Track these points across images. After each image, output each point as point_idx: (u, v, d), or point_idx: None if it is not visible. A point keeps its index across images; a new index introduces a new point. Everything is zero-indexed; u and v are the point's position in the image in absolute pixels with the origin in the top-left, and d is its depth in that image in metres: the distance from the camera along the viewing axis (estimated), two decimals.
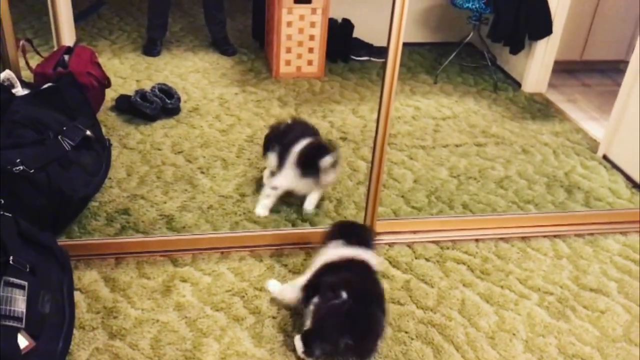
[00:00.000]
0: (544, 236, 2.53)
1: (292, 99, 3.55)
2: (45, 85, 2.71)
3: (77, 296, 2.02)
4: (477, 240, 2.48)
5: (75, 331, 1.88)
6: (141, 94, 3.19)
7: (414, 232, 2.47)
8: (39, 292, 1.72)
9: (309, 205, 2.55)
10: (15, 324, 1.58)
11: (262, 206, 2.52)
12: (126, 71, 3.70)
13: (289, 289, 2.02)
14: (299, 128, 2.66)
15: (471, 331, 2.03)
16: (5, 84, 2.71)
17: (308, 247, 2.34)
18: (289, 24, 3.68)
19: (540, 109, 3.73)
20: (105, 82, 3.20)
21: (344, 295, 1.75)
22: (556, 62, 3.92)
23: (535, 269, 2.35)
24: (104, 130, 2.95)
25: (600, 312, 2.17)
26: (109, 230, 2.35)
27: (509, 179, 2.93)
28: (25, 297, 1.65)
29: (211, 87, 3.59)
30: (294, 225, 2.48)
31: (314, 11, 3.68)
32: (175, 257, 2.24)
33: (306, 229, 2.44)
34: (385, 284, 2.17)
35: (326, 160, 2.41)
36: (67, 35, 3.63)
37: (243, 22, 4.64)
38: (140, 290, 2.08)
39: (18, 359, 1.56)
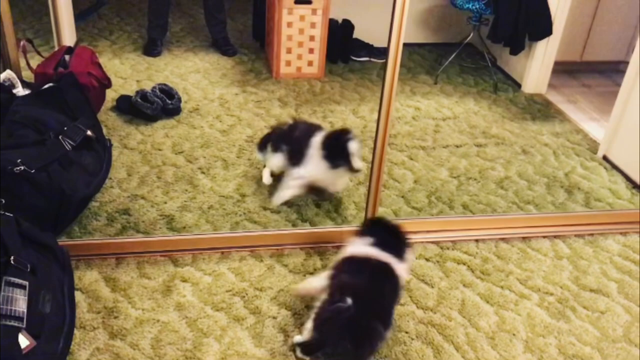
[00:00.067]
0: (544, 236, 2.54)
1: (293, 100, 3.55)
2: (46, 86, 2.71)
3: (78, 296, 2.02)
4: (477, 240, 2.48)
5: (75, 331, 1.88)
6: (142, 94, 3.19)
7: (414, 232, 2.47)
8: (39, 292, 1.72)
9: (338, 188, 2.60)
10: (16, 324, 1.59)
11: (280, 197, 2.55)
12: (127, 71, 3.71)
13: (316, 280, 1.99)
14: (305, 125, 2.68)
15: (471, 331, 2.03)
16: (6, 84, 2.71)
17: (308, 247, 2.34)
18: (290, 24, 3.68)
19: (540, 110, 3.73)
20: (106, 83, 3.20)
21: (349, 301, 1.74)
22: (556, 63, 3.92)
23: (536, 269, 2.36)
24: (104, 130, 2.96)
25: (600, 312, 2.17)
26: (109, 230, 2.35)
27: (509, 180, 2.93)
28: (26, 297, 1.65)
29: (212, 88, 3.59)
30: (294, 225, 2.48)
31: (314, 12, 3.68)
32: (175, 257, 2.24)
33: (306, 229, 2.44)
34: None
35: (354, 144, 2.40)
36: (68, 35, 3.64)
37: (243, 22, 4.64)
38: (140, 290, 2.08)
39: (19, 358, 1.56)
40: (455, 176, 2.92)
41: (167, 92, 3.26)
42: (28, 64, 3.08)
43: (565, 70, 4.26)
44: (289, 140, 2.60)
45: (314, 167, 2.47)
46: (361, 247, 1.95)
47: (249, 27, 4.44)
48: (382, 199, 2.65)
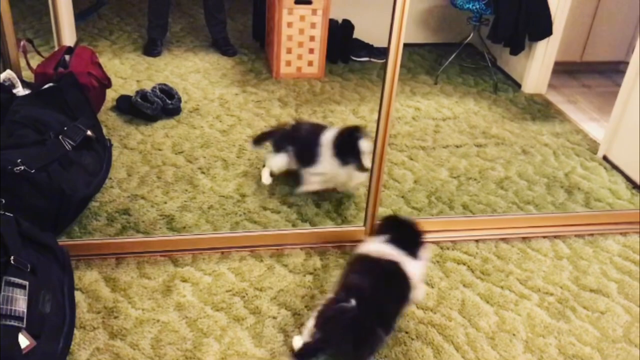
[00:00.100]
0: (544, 237, 2.54)
1: (293, 100, 3.55)
2: (46, 85, 2.71)
3: (78, 296, 2.02)
4: (477, 240, 2.48)
5: (75, 331, 1.88)
6: (142, 94, 3.19)
7: None
8: (39, 291, 1.72)
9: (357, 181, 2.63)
10: (16, 324, 1.59)
11: (303, 190, 2.60)
12: (127, 71, 3.71)
13: None
14: (309, 125, 2.69)
15: (471, 331, 2.03)
16: (6, 84, 2.71)
17: (308, 247, 2.34)
18: (290, 24, 3.68)
19: (540, 110, 3.73)
20: (106, 83, 3.20)
21: (353, 302, 1.74)
22: (556, 63, 3.92)
23: (536, 269, 2.36)
24: (104, 130, 2.96)
25: (600, 312, 2.17)
26: (109, 230, 2.35)
27: (509, 180, 2.93)
28: (26, 297, 1.65)
29: (212, 88, 3.59)
30: (294, 225, 2.48)
31: (314, 12, 3.68)
32: (175, 257, 2.24)
33: (306, 229, 2.44)
34: None
35: (365, 142, 2.43)
36: (68, 35, 3.64)
37: (243, 22, 4.64)
38: (140, 290, 2.08)
39: (19, 358, 1.56)
40: (455, 176, 2.92)
41: (167, 92, 3.26)
42: (28, 64, 3.08)
43: (565, 71, 4.26)
44: (296, 140, 2.62)
45: (327, 165, 2.51)
46: (375, 246, 1.94)
47: (249, 27, 4.44)
48: (382, 199, 2.65)
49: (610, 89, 4.06)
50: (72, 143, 2.43)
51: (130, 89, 3.44)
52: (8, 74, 2.75)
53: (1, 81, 2.70)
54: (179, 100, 3.28)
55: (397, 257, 1.89)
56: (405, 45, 2.07)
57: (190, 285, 2.12)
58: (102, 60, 3.56)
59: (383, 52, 4.06)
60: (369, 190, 2.33)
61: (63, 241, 2.18)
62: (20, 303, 1.62)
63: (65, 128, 2.48)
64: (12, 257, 1.70)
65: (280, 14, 3.64)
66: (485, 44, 4.07)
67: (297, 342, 1.88)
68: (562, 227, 2.59)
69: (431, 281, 2.24)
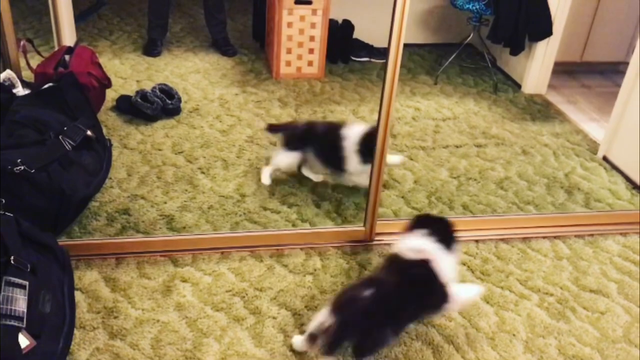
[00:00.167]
0: (544, 237, 2.54)
1: (293, 100, 3.55)
2: (46, 85, 2.71)
3: (78, 296, 2.02)
4: (477, 241, 2.48)
5: (75, 331, 1.88)
6: (142, 94, 3.19)
7: None
8: (39, 291, 1.72)
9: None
10: (16, 324, 1.59)
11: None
12: (127, 71, 3.71)
13: None
14: (327, 124, 2.73)
15: (471, 332, 2.03)
16: (6, 83, 2.71)
17: (308, 247, 2.34)
18: (290, 24, 3.68)
19: (540, 110, 3.73)
20: (106, 83, 3.20)
21: (369, 293, 1.75)
22: (556, 64, 3.92)
23: (536, 269, 2.36)
24: (104, 130, 2.96)
25: (600, 313, 2.17)
26: (109, 230, 2.35)
27: (509, 180, 2.93)
28: (26, 297, 1.65)
29: (211, 88, 3.59)
30: (294, 225, 2.48)
31: (314, 12, 3.68)
32: (175, 257, 2.24)
33: (306, 229, 2.44)
34: None
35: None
36: (68, 35, 3.64)
37: (243, 22, 4.64)
38: (140, 290, 2.08)
39: (19, 358, 1.56)
40: (455, 176, 2.92)
41: (167, 92, 3.26)
42: (28, 64, 3.08)
43: (565, 71, 4.26)
44: (315, 140, 2.63)
45: (353, 163, 2.55)
46: (410, 243, 1.94)
47: (249, 28, 4.44)
48: (382, 199, 2.65)
49: (610, 90, 4.06)
50: (72, 143, 2.43)
51: (130, 89, 3.44)
52: (8, 74, 2.75)
53: (1, 81, 2.70)
54: (179, 100, 3.28)
55: (430, 254, 1.88)
56: (406, 45, 2.07)
57: (190, 286, 2.12)
58: (102, 60, 3.56)
59: (383, 53, 4.06)
60: (369, 190, 2.33)
61: (63, 241, 2.18)
62: (20, 303, 1.62)
63: (65, 128, 2.48)
64: (12, 257, 1.70)
65: (280, 14, 3.64)
66: (485, 44, 4.07)
67: (297, 341, 1.88)
68: (562, 227, 2.59)
69: None
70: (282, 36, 3.70)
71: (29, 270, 1.72)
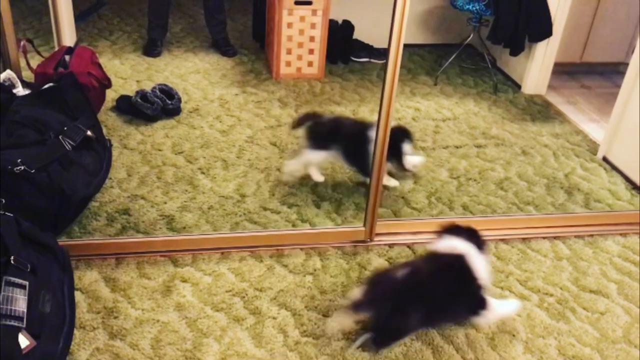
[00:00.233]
0: (544, 237, 2.54)
1: (293, 100, 3.55)
2: (46, 86, 2.72)
3: (78, 296, 2.02)
4: None
5: (75, 331, 1.88)
6: (142, 94, 3.19)
7: (414, 233, 2.47)
8: (39, 291, 1.72)
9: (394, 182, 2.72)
10: (16, 324, 1.59)
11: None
12: (127, 72, 3.71)
13: None
14: (353, 121, 2.74)
15: (471, 332, 2.03)
16: (6, 84, 2.71)
17: (308, 247, 2.34)
18: (290, 25, 3.68)
19: (540, 111, 3.73)
20: (106, 83, 3.20)
21: (401, 273, 1.81)
22: (556, 64, 3.92)
23: (535, 270, 2.36)
24: (104, 130, 2.96)
25: (600, 313, 2.17)
26: (109, 231, 2.35)
27: (509, 181, 2.93)
28: (26, 297, 1.65)
29: (211, 88, 3.59)
30: (294, 225, 2.48)
31: (314, 12, 3.68)
32: (175, 258, 2.24)
33: (306, 230, 2.44)
34: None
35: (408, 145, 2.52)
36: (68, 35, 3.64)
37: (243, 23, 4.64)
38: (140, 290, 2.08)
39: (19, 358, 1.56)
40: (455, 177, 2.92)
41: (167, 93, 3.26)
42: (28, 64, 3.08)
43: (565, 72, 4.27)
44: (342, 138, 2.61)
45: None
46: (445, 243, 1.99)
47: (249, 28, 4.44)
48: (382, 200, 2.65)
49: (610, 90, 4.06)
50: (72, 143, 2.43)
51: (130, 89, 3.44)
52: (8, 74, 2.75)
53: (1, 81, 2.70)
54: (179, 100, 3.28)
55: (464, 251, 1.93)
56: (406, 46, 2.07)
57: (190, 286, 2.12)
58: (102, 60, 3.56)
59: (383, 53, 4.06)
60: (369, 191, 2.33)
61: (63, 241, 2.18)
62: (20, 303, 1.62)
63: (65, 128, 2.48)
64: (12, 257, 1.70)
65: (280, 15, 3.64)
66: (485, 44, 4.07)
67: (334, 321, 1.93)
68: (561, 228, 2.59)
69: None
70: (282, 36, 3.70)
71: (29, 270, 1.72)
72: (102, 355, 1.83)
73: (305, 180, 2.75)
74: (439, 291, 1.88)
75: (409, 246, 2.41)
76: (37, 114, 2.48)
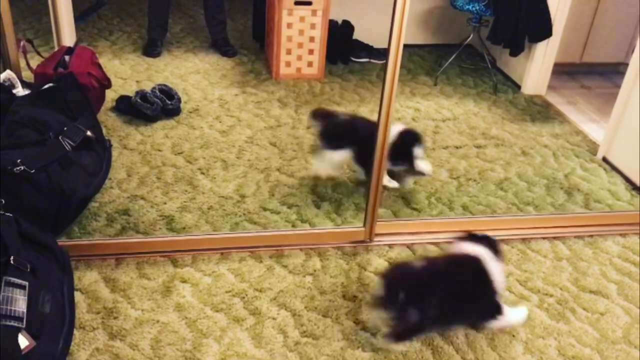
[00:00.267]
0: (544, 238, 2.54)
1: (292, 100, 3.55)
2: (46, 86, 2.71)
3: (78, 296, 2.02)
4: None
5: (75, 331, 1.88)
6: (141, 94, 3.19)
7: (414, 233, 2.47)
8: (39, 292, 1.72)
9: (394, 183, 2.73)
10: (16, 324, 1.59)
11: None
12: (126, 72, 3.71)
13: None
14: (367, 121, 2.72)
15: (471, 332, 2.03)
16: (6, 84, 2.71)
17: (308, 247, 2.34)
18: (289, 25, 3.68)
19: (540, 111, 3.73)
20: (106, 83, 3.20)
21: (417, 266, 1.88)
22: (556, 64, 3.92)
23: (535, 270, 2.36)
24: (104, 130, 2.95)
25: (600, 314, 2.17)
26: (109, 231, 2.35)
27: (509, 181, 2.93)
28: (25, 297, 1.65)
29: (211, 88, 3.59)
30: (294, 226, 2.48)
31: (314, 13, 3.68)
32: (175, 258, 2.24)
33: (306, 230, 2.44)
34: None
35: (419, 149, 2.53)
36: (68, 35, 3.64)
37: (243, 23, 4.64)
38: (140, 290, 2.08)
39: (19, 358, 1.56)
40: (455, 177, 2.92)
41: (167, 93, 3.26)
42: (28, 64, 3.08)
43: (564, 72, 4.27)
44: (357, 139, 2.60)
45: (388, 165, 2.53)
46: (462, 246, 2.02)
47: (248, 28, 4.44)
48: (382, 200, 2.65)
49: (609, 90, 4.06)
50: (71, 143, 2.43)
51: (130, 90, 3.44)
52: (8, 74, 2.75)
53: (1, 81, 2.70)
54: (179, 100, 3.28)
55: (481, 255, 1.95)
56: (405, 46, 2.07)
57: (189, 286, 2.12)
58: (102, 60, 3.55)
59: (383, 53, 4.06)
60: (368, 191, 2.33)
61: (63, 241, 2.18)
62: (20, 303, 1.62)
63: (65, 128, 2.48)
64: (12, 257, 1.70)
65: (280, 15, 3.64)
66: (485, 45, 4.07)
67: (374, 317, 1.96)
68: (561, 228, 2.59)
69: None
70: (282, 37, 3.70)
71: (28, 270, 1.72)
72: (101, 356, 1.83)
73: (305, 181, 2.75)
74: (455, 288, 1.91)
75: (408, 246, 2.41)
76: (36, 114, 2.48)
